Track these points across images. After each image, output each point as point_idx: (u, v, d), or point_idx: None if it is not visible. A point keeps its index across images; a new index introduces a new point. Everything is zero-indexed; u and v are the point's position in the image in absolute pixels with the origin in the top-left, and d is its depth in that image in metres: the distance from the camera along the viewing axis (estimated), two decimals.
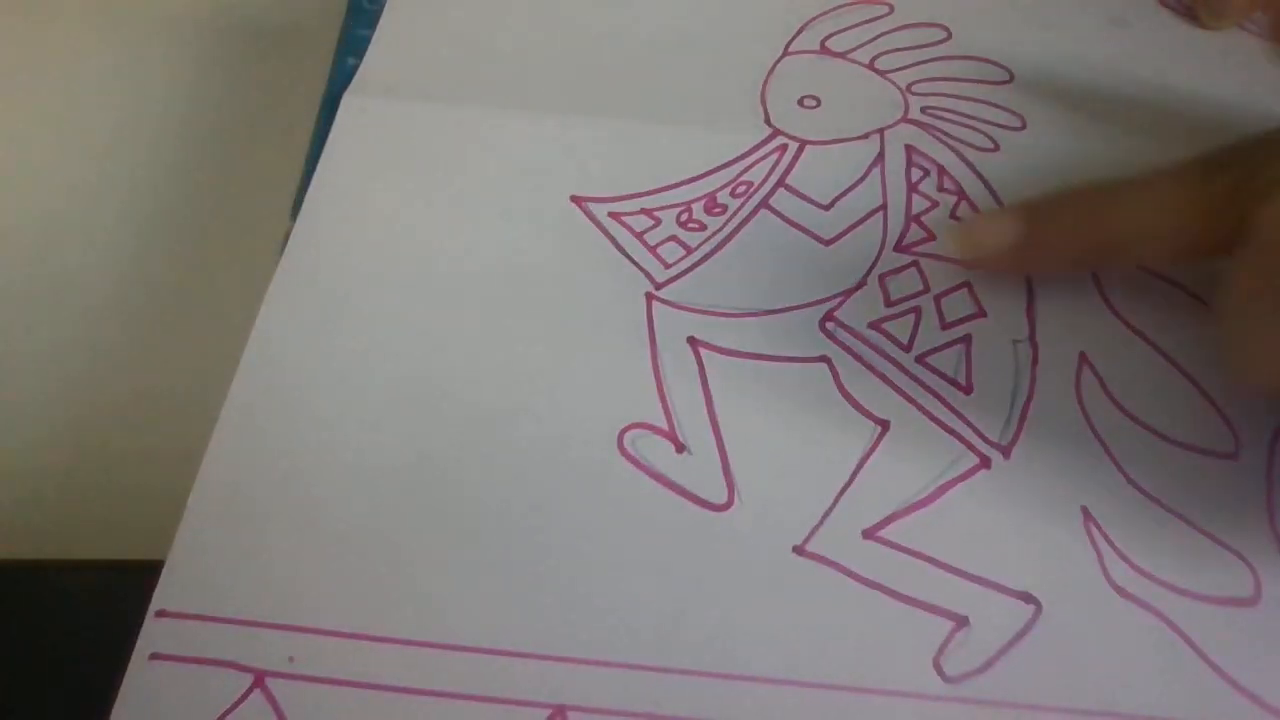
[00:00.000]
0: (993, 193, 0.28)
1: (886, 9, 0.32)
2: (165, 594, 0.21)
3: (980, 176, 0.28)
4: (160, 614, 0.21)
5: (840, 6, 0.32)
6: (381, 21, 0.32)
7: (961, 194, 0.28)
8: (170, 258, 0.28)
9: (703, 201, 0.28)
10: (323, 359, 0.25)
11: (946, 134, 0.29)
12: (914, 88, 0.30)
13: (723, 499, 0.23)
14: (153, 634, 0.21)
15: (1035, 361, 0.25)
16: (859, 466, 0.23)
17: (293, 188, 0.28)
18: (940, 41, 0.32)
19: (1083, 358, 0.25)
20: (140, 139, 0.31)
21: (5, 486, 0.24)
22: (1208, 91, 0.31)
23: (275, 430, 0.24)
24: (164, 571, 0.21)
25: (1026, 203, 0.25)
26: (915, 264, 0.27)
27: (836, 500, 0.23)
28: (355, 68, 0.31)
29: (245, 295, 0.26)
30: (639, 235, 0.27)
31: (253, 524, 0.22)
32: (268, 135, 0.30)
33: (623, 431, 0.24)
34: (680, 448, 0.24)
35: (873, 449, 0.23)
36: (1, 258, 0.28)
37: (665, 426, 0.24)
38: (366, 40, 0.32)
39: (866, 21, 0.32)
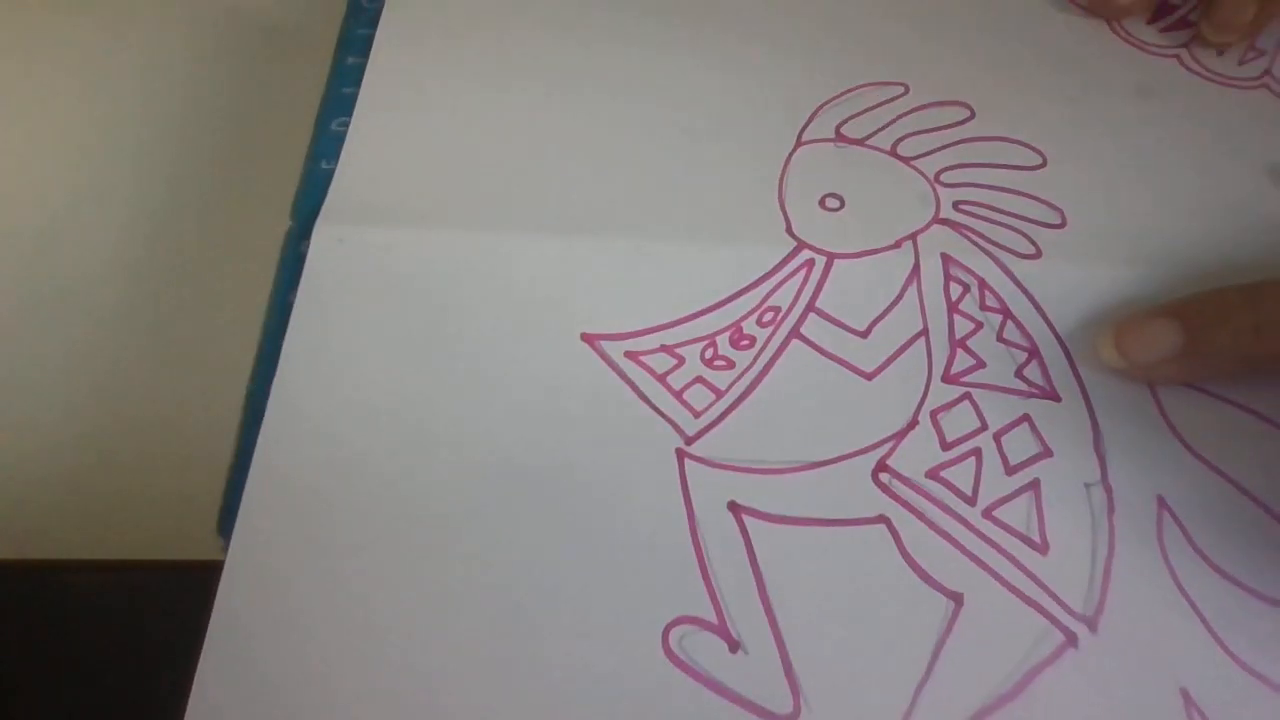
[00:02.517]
0: (1038, 308, 0.25)
1: (902, 89, 0.30)
2: None
3: (1023, 289, 0.26)
4: None
5: (852, 89, 0.30)
6: (347, 142, 0.28)
7: (1007, 312, 0.25)
8: (170, 258, 0.28)
9: (728, 333, 0.25)
10: (306, 566, 0.22)
11: (983, 236, 0.27)
12: (942, 176, 0.28)
13: (787, 708, 0.20)
14: None
15: (1111, 509, 0.23)
16: (936, 654, 0.21)
17: (292, 188, 0.28)
18: (964, 121, 0.29)
19: (1161, 503, 0.23)
20: (140, 139, 0.30)
21: (6, 487, 0.24)
22: (1245, 157, 0.29)
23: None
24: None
25: (1180, 308, 0.24)
26: (968, 396, 0.24)
27: (915, 698, 0.20)
28: (355, 67, 0.30)
29: (245, 295, 0.26)
30: (661, 378, 0.24)
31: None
32: (268, 135, 0.30)
33: (667, 628, 0.21)
34: (734, 645, 0.21)
35: (948, 630, 0.21)
36: (2, 258, 0.28)
37: (714, 620, 0.21)
38: (366, 40, 0.31)
39: (883, 103, 0.29)
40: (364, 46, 0.31)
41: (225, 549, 0.22)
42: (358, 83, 0.30)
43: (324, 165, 0.28)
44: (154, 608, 0.22)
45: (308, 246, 0.26)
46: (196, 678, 0.20)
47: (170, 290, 0.27)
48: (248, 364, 0.25)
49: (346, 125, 0.29)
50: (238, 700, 0.20)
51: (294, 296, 0.25)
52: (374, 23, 0.31)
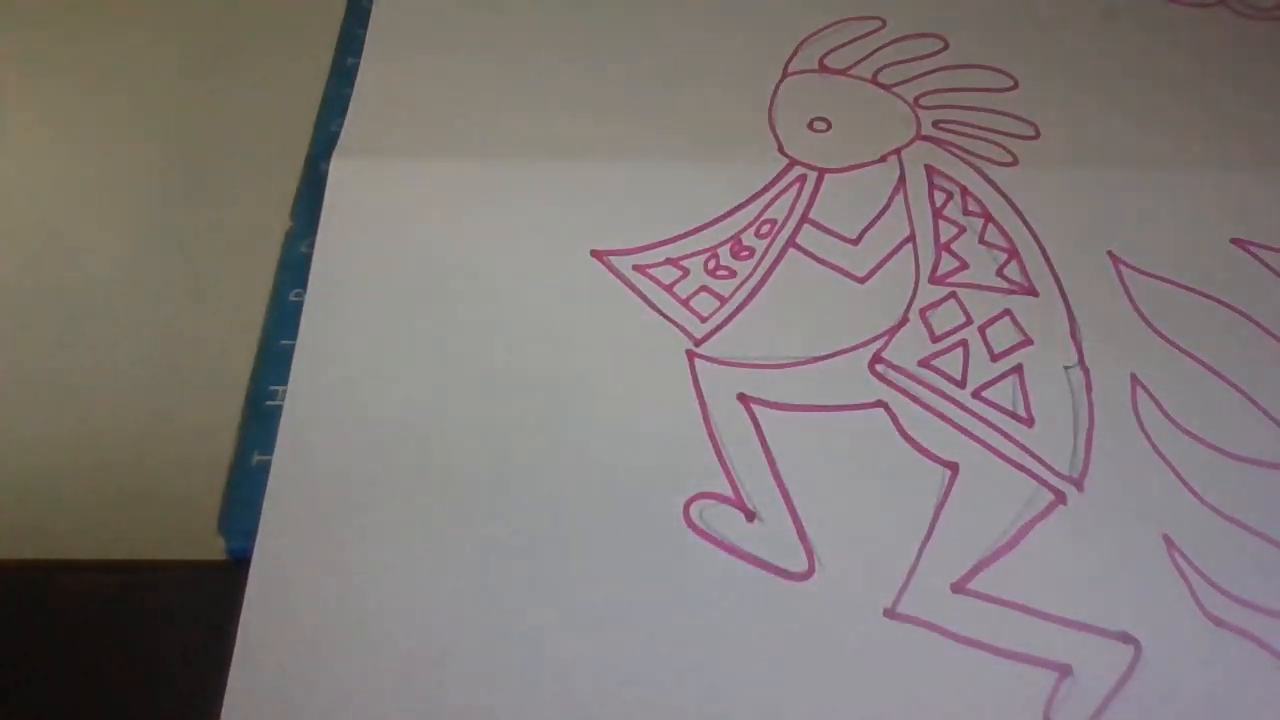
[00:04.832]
0: (1017, 211, 0.27)
1: (879, 23, 0.32)
2: None
3: (1003, 194, 0.28)
4: None
5: (832, 24, 0.32)
6: (358, 80, 0.30)
7: (988, 215, 0.27)
8: (170, 258, 0.28)
9: (728, 245, 0.27)
10: (348, 460, 0.23)
11: (963, 149, 0.28)
12: (921, 100, 0.30)
13: (803, 567, 0.22)
14: None
15: (1089, 387, 0.24)
16: (936, 516, 0.23)
17: (292, 187, 0.28)
18: (939, 51, 0.31)
19: (1134, 379, 0.25)
20: (139, 139, 0.30)
21: (5, 487, 0.24)
22: (1204, 73, 0.31)
23: (318, 532, 0.22)
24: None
25: None
26: (953, 295, 0.26)
27: (919, 555, 0.22)
28: (355, 67, 0.31)
29: (245, 295, 0.26)
30: (668, 288, 0.26)
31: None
32: (268, 135, 0.30)
33: (688, 503, 0.23)
34: (750, 515, 0.22)
35: (946, 495, 0.23)
36: (3, 259, 0.28)
37: (731, 494, 0.23)
38: (365, 40, 0.31)
39: (861, 37, 0.31)
40: (364, 46, 0.31)
41: (226, 548, 0.22)
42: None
43: (324, 165, 0.28)
44: (154, 608, 0.22)
45: (308, 246, 0.26)
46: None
47: (170, 290, 0.27)
48: (248, 364, 0.25)
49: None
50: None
51: (294, 296, 0.26)
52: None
